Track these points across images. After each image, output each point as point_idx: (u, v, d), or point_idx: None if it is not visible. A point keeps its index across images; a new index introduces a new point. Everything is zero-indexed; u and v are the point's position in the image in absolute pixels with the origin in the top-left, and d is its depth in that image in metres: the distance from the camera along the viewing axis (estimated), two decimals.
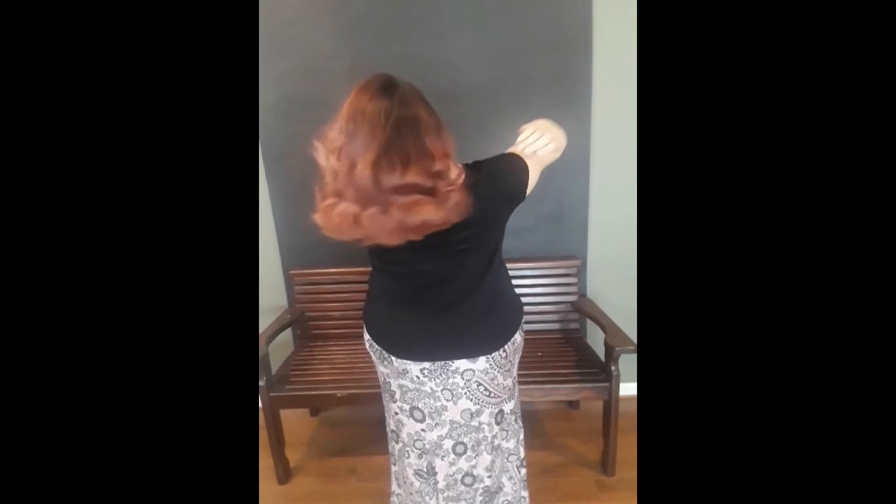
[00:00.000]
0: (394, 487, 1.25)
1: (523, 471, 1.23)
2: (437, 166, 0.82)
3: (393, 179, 0.79)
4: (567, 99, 1.79)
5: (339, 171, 0.81)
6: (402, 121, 0.80)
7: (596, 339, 1.89)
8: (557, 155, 1.05)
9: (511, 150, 1.00)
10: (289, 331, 2.00)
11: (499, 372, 1.06)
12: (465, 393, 1.05)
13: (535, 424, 2.00)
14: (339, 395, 1.68)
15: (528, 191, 0.98)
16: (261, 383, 1.63)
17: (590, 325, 1.93)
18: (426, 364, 1.03)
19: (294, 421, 2.01)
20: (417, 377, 1.04)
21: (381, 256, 1.03)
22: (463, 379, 1.03)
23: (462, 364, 1.02)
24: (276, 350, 1.84)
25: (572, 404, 2.10)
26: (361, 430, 2.00)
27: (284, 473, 1.76)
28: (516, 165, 0.96)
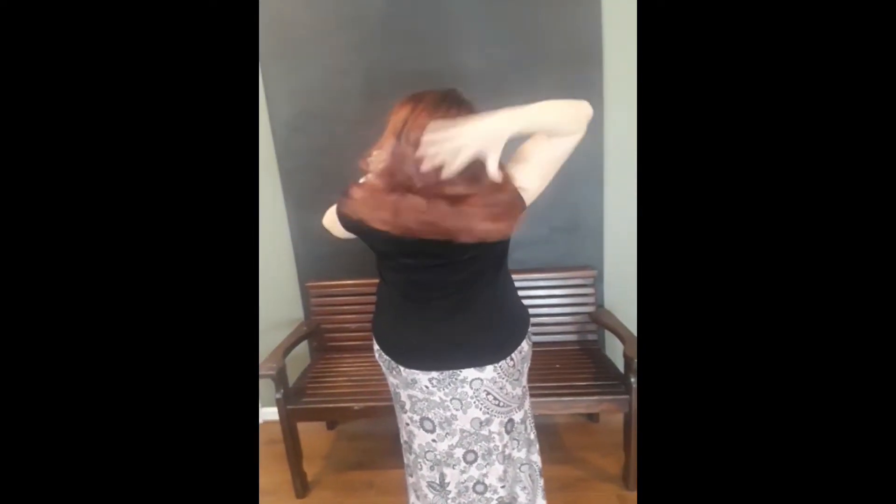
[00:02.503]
0: (412, 499, 1.24)
1: (541, 480, 1.22)
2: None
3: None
4: None
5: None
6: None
7: (614, 351, 1.86)
8: (568, 139, 0.90)
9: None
10: (305, 343, 2.01)
11: (507, 381, 1.05)
12: (474, 402, 1.04)
13: (555, 438, 1.96)
14: (355, 407, 1.68)
15: (533, 197, 0.95)
16: (277, 396, 1.64)
17: (608, 336, 1.91)
18: (434, 374, 1.03)
19: (311, 434, 2.01)
20: (426, 387, 1.04)
21: (386, 265, 1.04)
22: (472, 388, 1.03)
23: (470, 373, 1.02)
24: (293, 363, 1.85)
25: (592, 417, 2.06)
26: (379, 443, 1.99)
27: (302, 487, 1.75)
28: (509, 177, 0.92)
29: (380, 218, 0.90)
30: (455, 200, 0.86)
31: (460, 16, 1.74)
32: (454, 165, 0.80)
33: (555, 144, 0.91)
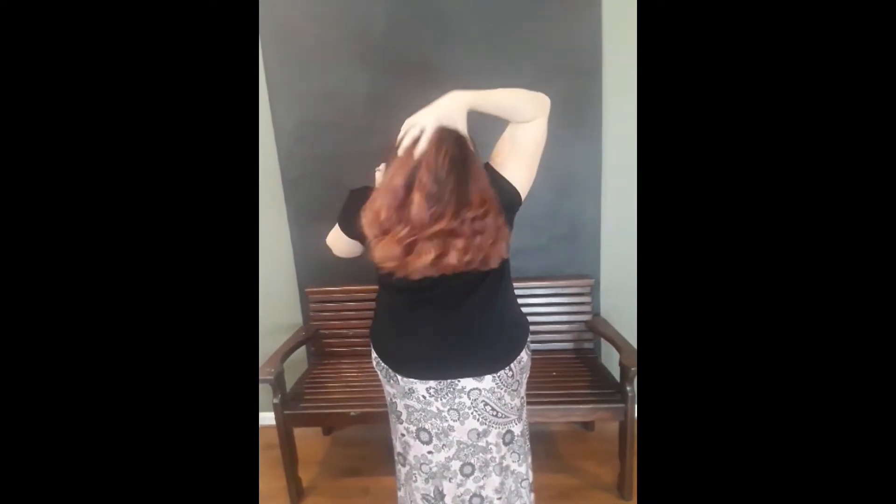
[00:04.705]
0: None
1: (532, 495, 1.22)
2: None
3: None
4: (578, 121, 1.81)
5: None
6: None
7: (611, 359, 1.87)
8: (533, 124, 0.97)
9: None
10: (303, 348, 2.02)
11: (506, 391, 1.05)
12: (472, 413, 1.04)
13: (551, 446, 1.96)
14: (352, 413, 1.68)
15: (525, 188, 0.99)
16: (274, 401, 1.64)
17: (604, 344, 1.92)
18: (432, 383, 1.02)
19: (307, 440, 2.01)
20: (423, 397, 1.04)
21: (385, 274, 1.04)
22: (469, 398, 1.03)
23: (468, 383, 1.02)
24: (291, 368, 1.86)
25: (588, 426, 2.07)
26: (374, 449, 1.98)
27: (297, 493, 1.75)
28: (495, 176, 0.97)
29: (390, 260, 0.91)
30: (444, 235, 0.88)
31: (463, 28, 1.76)
32: (423, 138, 0.90)
33: (523, 130, 0.97)
